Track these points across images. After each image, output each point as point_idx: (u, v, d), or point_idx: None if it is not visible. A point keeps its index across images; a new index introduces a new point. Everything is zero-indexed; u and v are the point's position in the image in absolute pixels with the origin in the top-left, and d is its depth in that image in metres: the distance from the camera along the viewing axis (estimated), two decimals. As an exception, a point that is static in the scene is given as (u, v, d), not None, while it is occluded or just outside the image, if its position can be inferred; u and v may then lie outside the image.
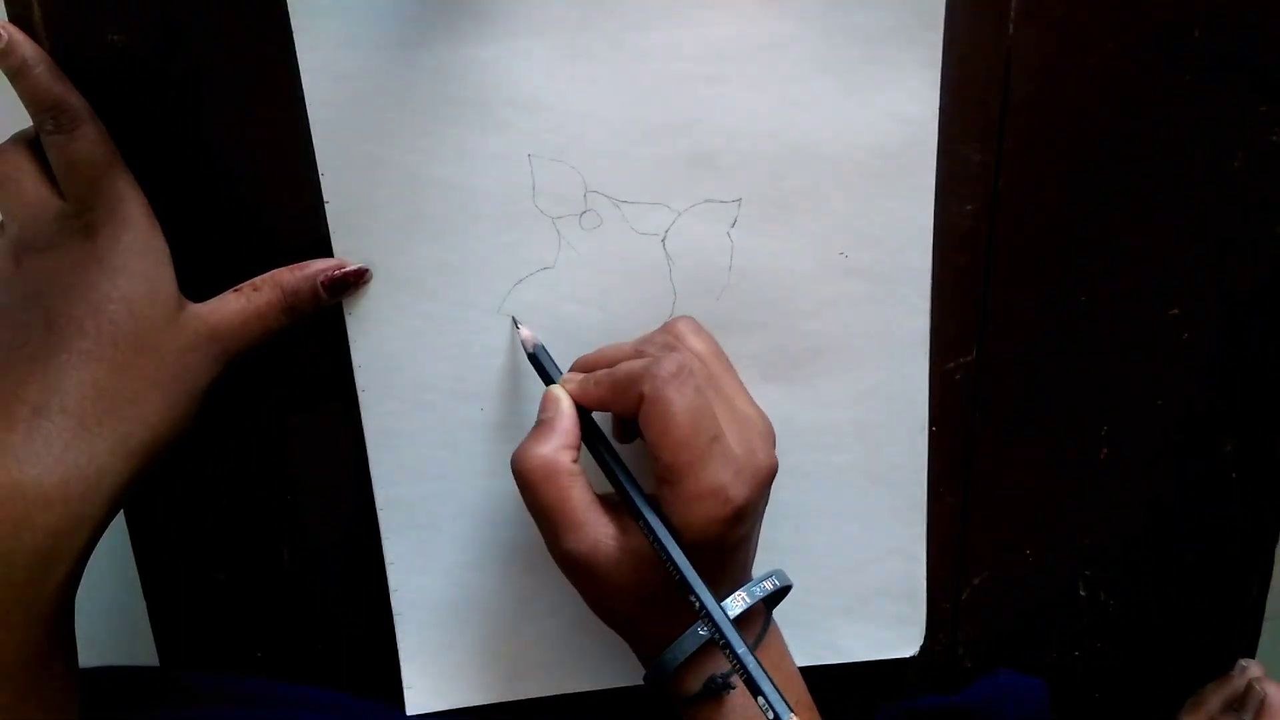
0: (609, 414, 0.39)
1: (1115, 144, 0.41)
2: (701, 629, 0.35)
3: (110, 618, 0.49)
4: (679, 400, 0.33)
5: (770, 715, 0.32)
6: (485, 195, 0.38)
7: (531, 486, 0.35)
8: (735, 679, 0.35)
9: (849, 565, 0.44)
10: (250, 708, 0.42)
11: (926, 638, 0.46)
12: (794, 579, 0.39)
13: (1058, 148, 0.41)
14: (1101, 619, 0.48)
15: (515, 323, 0.40)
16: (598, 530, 0.35)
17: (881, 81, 0.38)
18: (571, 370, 0.39)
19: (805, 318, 0.41)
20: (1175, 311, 0.43)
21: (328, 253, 0.38)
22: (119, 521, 0.43)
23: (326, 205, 0.38)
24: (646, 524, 0.35)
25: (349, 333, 0.40)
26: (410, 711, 0.44)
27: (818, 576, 0.44)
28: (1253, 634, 0.49)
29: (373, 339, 0.40)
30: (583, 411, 0.37)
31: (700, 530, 0.34)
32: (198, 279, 0.38)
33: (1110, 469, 0.45)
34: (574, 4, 0.36)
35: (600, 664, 0.45)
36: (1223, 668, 0.48)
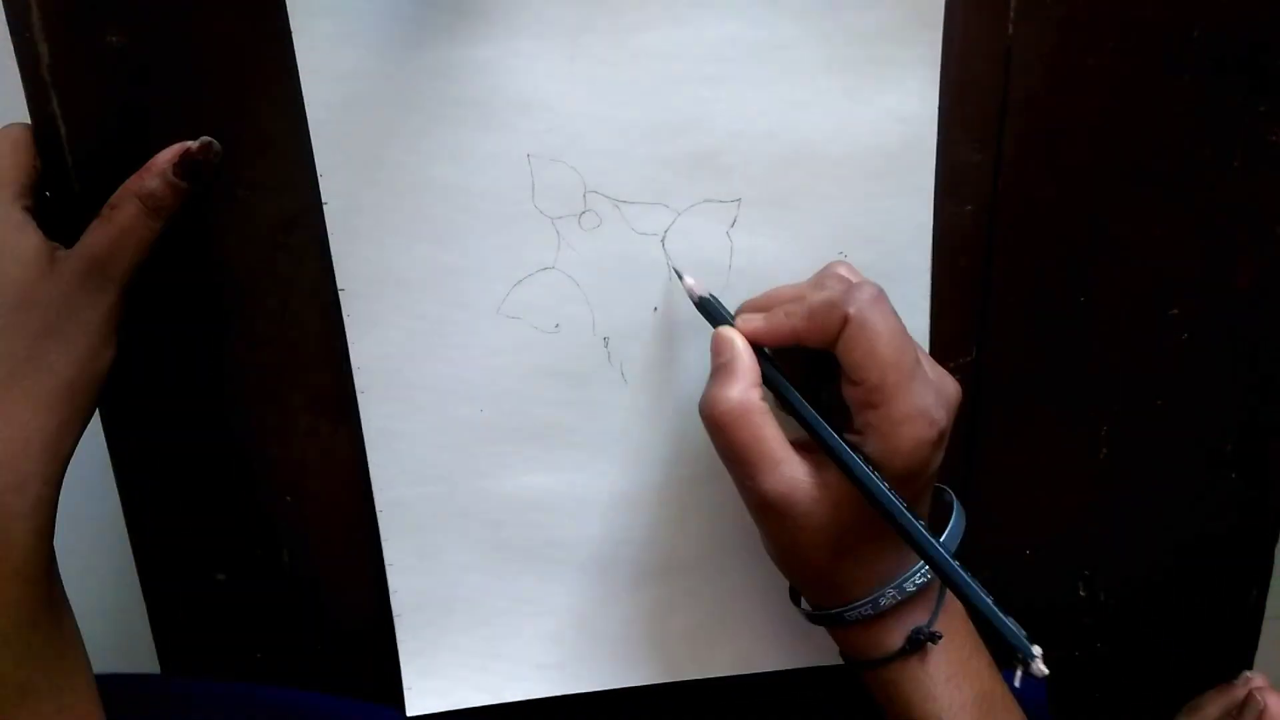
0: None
1: (1114, 144, 0.41)
2: (920, 575, 0.35)
3: (110, 620, 0.49)
4: (884, 321, 0.33)
5: (1019, 654, 0.32)
6: (484, 196, 0.38)
7: (725, 429, 0.35)
8: (939, 629, 0.35)
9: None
10: (247, 714, 0.42)
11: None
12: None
13: (1057, 147, 0.41)
14: (1101, 619, 0.48)
15: (678, 274, 0.39)
16: (795, 469, 0.34)
17: (881, 81, 0.38)
18: (741, 312, 0.38)
19: (805, 318, 0.41)
20: (1175, 311, 0.43)
21: (327, 255, 0.38)
22: (118, 524, 0.43)
23: (325, 206, 0.38)
24: (843, 459, 0.34)
25: (348, 334, 0.40)
26: (410, 713, 0.44)
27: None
28: (1252, 634, 0.49)
29: (372, 340, 0.40)
30: (761, 353, 0.36)
31: (908, 454, 0.34)
32: (198, 279, 0.38)
33: (1110, 469, 0.45)
34: (573, 4, 0.36)
35: (601, 665, 0.45)
36: (1222, 668, 0.48)
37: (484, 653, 0.44)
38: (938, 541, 0.34)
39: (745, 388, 0.35)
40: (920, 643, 0.36)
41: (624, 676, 0.45)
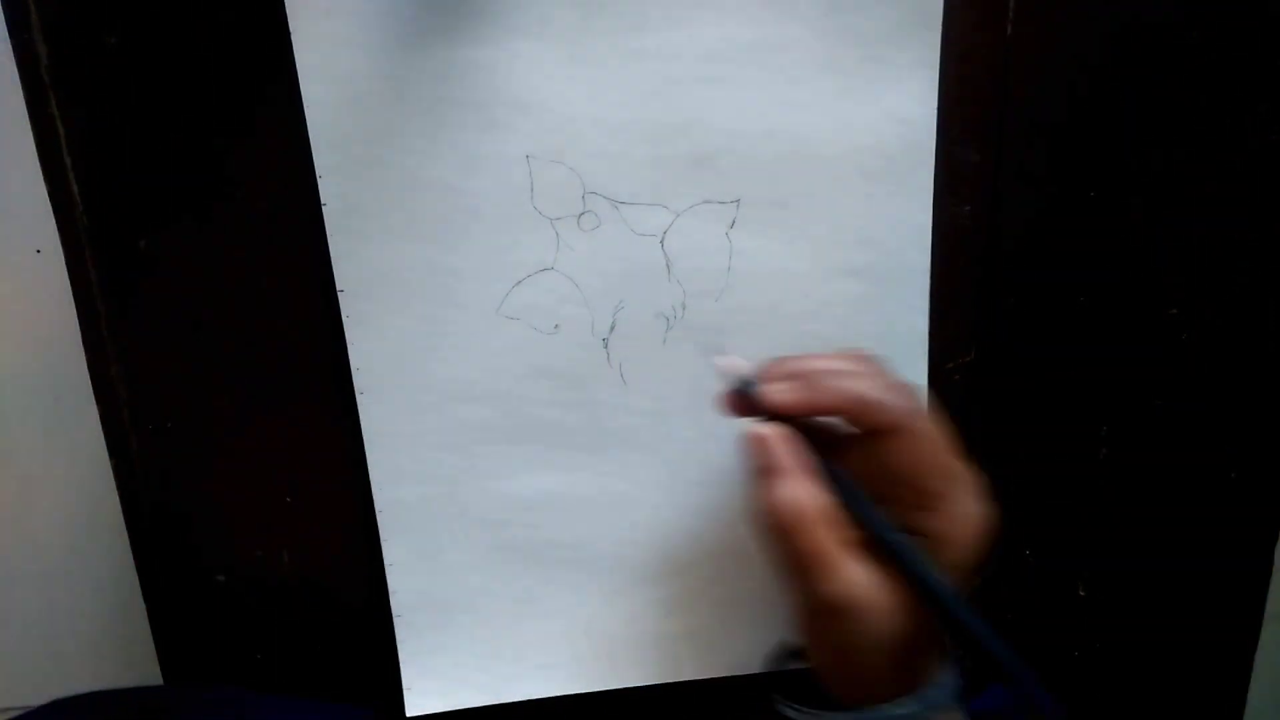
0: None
1: (1114, 144, 0.41)
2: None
3: (111, 623, 0.49)
4: (934, 428, 0.32)
5: None
6: (483, 197, 0.38)
7: (791, 533, 0.32)
8: None
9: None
10: None
11: (926, 638, 0.46)
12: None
13: (1056, 147, 0.41)
14: (1102, 619, 0.48)
15: (713, 353, 0.35)
16: (857, 573, 0.32)
17: (880, 82, 0.38)
18: (771, 378, 0.33)
19: (804, 318, 0.41)
20: (1174, 311, 0.43)
21: (325, 255, 0.38)
22: (119, 525, 0.43)
23: (324, 207, 0.38)
24: (911, 565, 0.31)
25: (347, 335, 0.40)
26: (410, 713, 0.44)
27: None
28: (1253, 633, 0.49)
29: (371, 341, 0.40)
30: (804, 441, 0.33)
31: (966, 557, 0.33)
32: (194, 280, 0.38)
33: (1110, 469, 0.45)
34: (572, 5, 0.36)
35: (601, 665, 0.45)
36: (1223, 668, 0.48)
37: (484, 653, 0.44)
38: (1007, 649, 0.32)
39: (808, 485, 0.32)
40: None
41: (624, 677, 0.45)
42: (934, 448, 0.32)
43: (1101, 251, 0.42)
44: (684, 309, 0.40)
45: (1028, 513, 0.46)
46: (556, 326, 0.40)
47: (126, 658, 0.45)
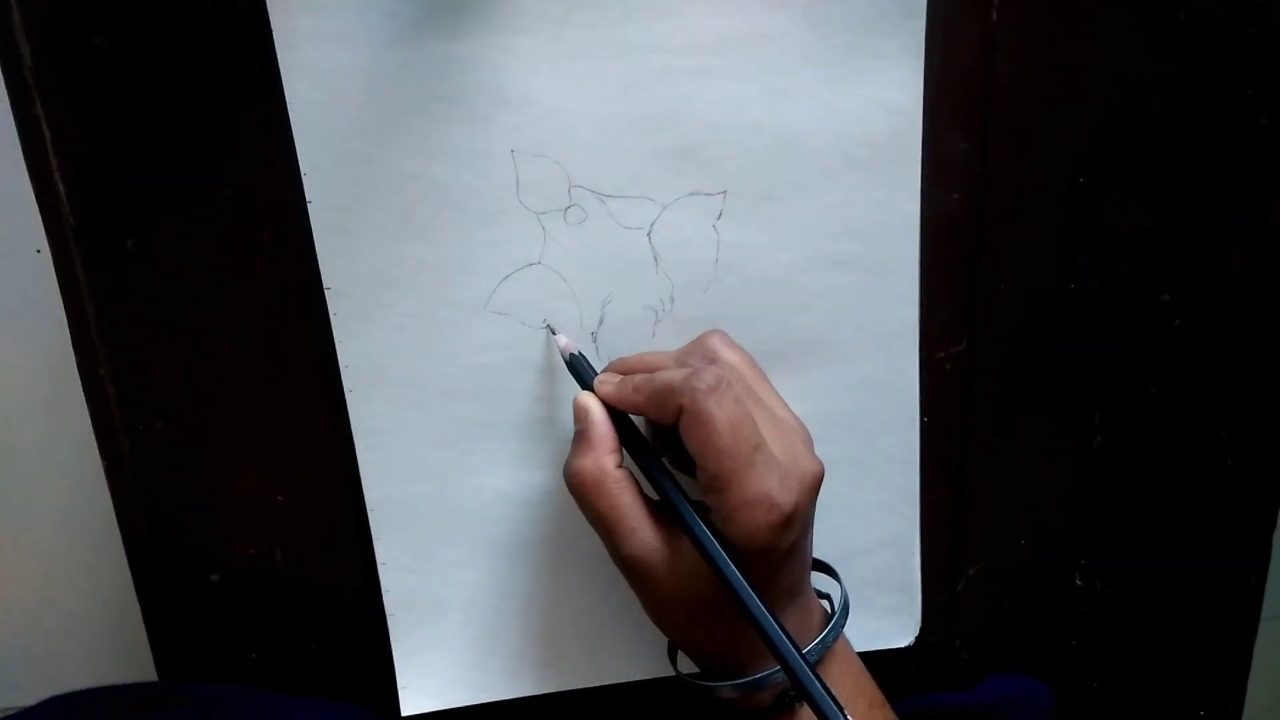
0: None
1: (1103, 129, 0.41)
2: (777, 675, 0.35)
3: (106, 624, 0.49)
4: (719, 411, 0.33)
5: None
6: (469, 192, 0.38)
7: (583, 498, 0.36)
8: (827, 681, 0.35)
9: (842, 557, 0.44)
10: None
11: (922, 629, 0.46)
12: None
13: (1045, 134, 0.41)
14: (1098, 609, 0.48)
15: (551, 330, 0.40)
16: (650, 535, 0.36)
17: (865, 71, 0.38)
18: (607, 371, 0.39)
19: (794, 310, 0.41)
20: (1166, 297, 0.43)
21: (311, 253, 0.38)
22: (112, 526, 0.43)
23: (310, 205, 0.38)
24: (696, 536, 0.34)
25: (335, 333, 0.39)
26: (405, 712, 0.44)
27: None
28: (1251, 621, 0.48)
29: (359, 339, 0.40)
30: (623, 417, 0.37)
31: (749, 538, 0.34)
32: (182, 280, 0.38)
33: (1104, 457, 0.45)
34: (555, -2, 0.36)
35: (595, 661, 0.45)
36: (1221, 655, 0.48)
37: (478, 650, 0.44)
38: (791, 643, 0.33)
39: (599, 456, 0.36)
40: (788, 704, 0.36)
41: (619, 672, 0.45)
42: (711, 432, 0.33)
43: (1091, 237, 0.42)
44: (672, 302, 0.40)
45: (1022, 502, 0.46)
46: (545, 321, 0.40)
47: (121, 658, 0.45)
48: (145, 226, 0.39)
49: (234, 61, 0.37)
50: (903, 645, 0.46)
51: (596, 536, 0.37)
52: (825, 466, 0.36)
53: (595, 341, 0.40)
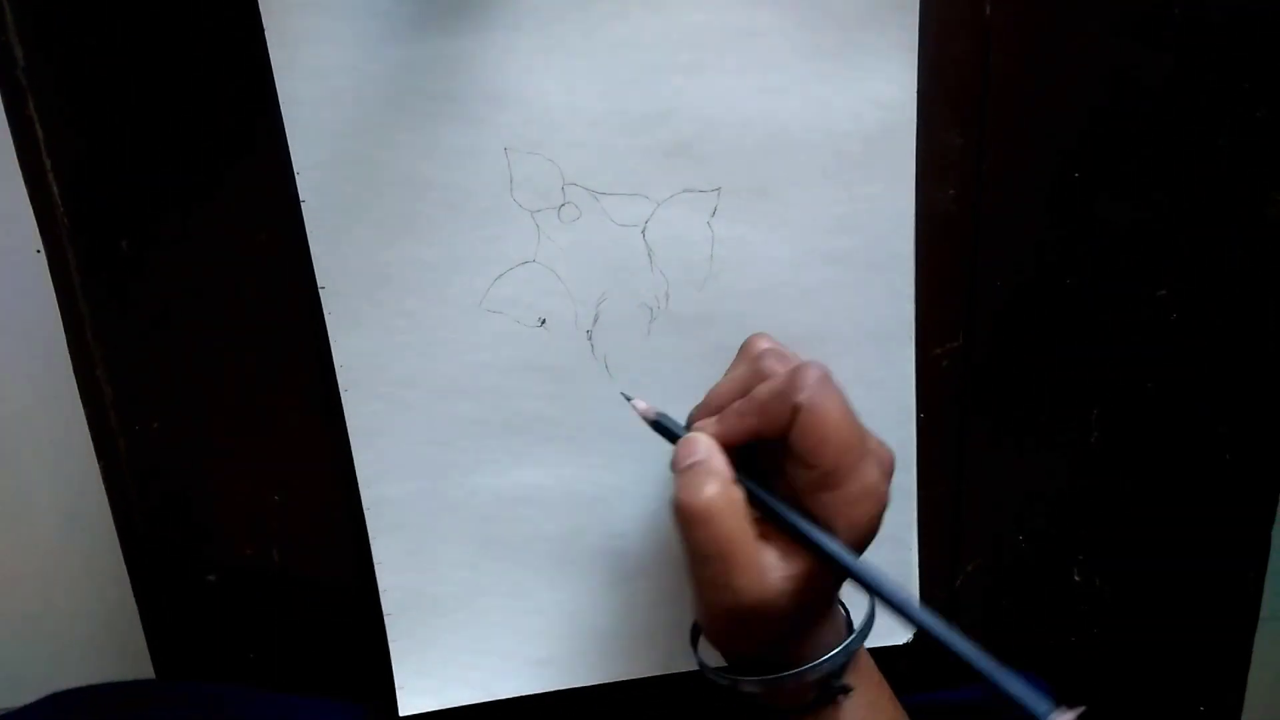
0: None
1: (1098, 124, 0.41)
2: (823, 664, 0.35)
3: (103, 624, 0.49)
4: (833, 404, 0.32)
5: (1040, 709, 0.31)
6: (462, 190, 0.38)
7: (708, 524, 0.33)
8: (850, 683, 0.35)
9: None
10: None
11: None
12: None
13: (1040, 129, 0.40)
14: (1096, 604, 0.47)
15: (627, 398, 0.38)
16: (772, 567, 0.33)
17: (859, 66, 0.38)
18: (692, 421, 0.37)
19: (788, 307, 0.41)
20: (1163, 292, 0.43)
21: (305, 253, 0.38)
22: (109, 527, 0.43)
23: (303, 204, 0.38)
24: (820, 544, 0.33)
25: (330, 332, 0.39)
26: (403, 711, 0.44)
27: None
28: (1250, 614, 0.48)
29: (354, 338, 0.40)
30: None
31: (864, 530, 0.33)
32: (177, 280, 0.38)
33: (1102, 453, 0.45)
34: (546, -5, 0.36)
35: (592, 659, 0.44)
36: (1219, 649, 0.47)
37: (475, 649, 0.44)
38: (930, 612, 0.32)
39: (725, 482, 0.33)
40: (833, 694, 0.36)
41: (616, 670, 0.45)
42: (829, 428, 0.32)
43: (1087, 232, 0.42)
44: (667, 299, 0.40)
45: (1020, 499, 0.46)
46: (541, 320, 0.40)
47: (119, 659, 0.45)
48: (140, 227, 0.39)
49: (227, 61, 0.37)
50: (900, 643, 0.46)
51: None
52: None
53: (591, 340, 0.40)
